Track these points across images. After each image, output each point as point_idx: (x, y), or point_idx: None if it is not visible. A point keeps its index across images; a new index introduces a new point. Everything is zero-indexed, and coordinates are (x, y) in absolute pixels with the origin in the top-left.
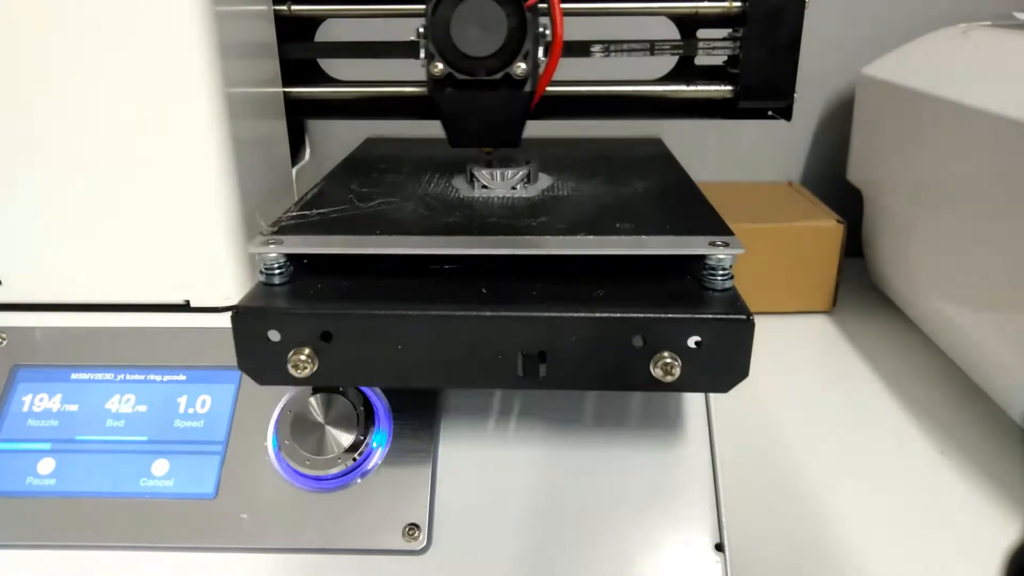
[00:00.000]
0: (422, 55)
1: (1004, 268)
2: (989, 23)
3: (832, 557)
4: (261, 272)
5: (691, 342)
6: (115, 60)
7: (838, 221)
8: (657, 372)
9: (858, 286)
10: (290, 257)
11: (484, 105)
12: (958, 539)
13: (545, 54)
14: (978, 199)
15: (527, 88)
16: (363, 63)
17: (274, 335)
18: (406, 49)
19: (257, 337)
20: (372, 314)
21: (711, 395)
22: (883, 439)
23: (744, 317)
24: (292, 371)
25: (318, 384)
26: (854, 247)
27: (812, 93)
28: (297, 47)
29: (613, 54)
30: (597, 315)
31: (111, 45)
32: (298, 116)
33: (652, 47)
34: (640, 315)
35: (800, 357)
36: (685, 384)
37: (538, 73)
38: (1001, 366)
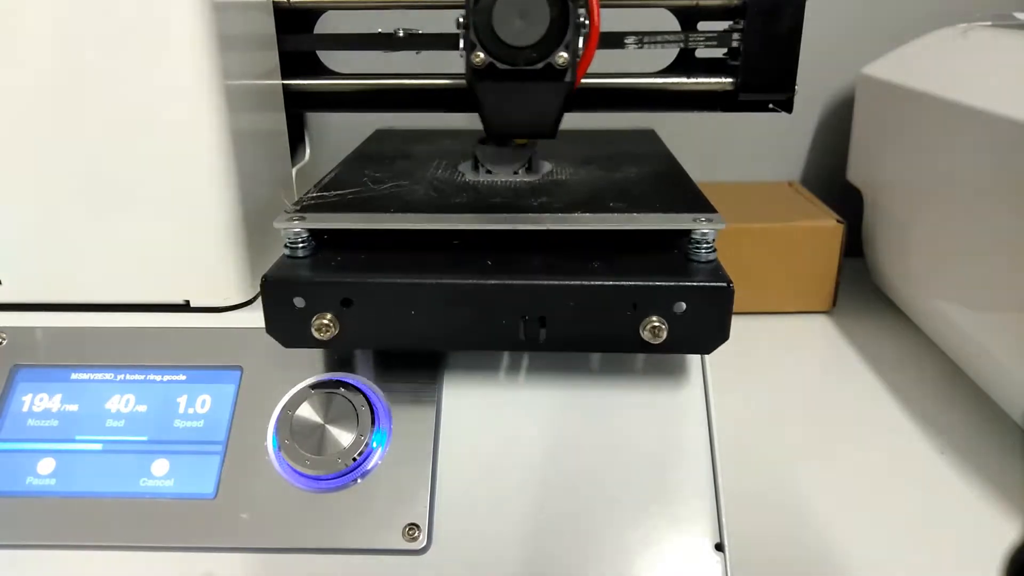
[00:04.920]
0: (461, 45)
1: (1004, 268)
2: (989, 23)
3: (832, 557)
4: (286, 246)
5: (677, 308)
6: (113, 55)
7: (838, 221)
8: (646, 335)
9: (858, 286)
10: (312, 232)
11: (524, 96)
12: (958, 539)
13: (583, 44)
14: (978, 199)
15: (567, 79)
16: (363, 56)
17: (299, 302)
18: (406, 42)
19: (284, 304)
20: (388, 282)
21: (711, 395)
22: (883, 439)
23: (725, 284)
24: (316, 334)
25: (339, 347)
26: (854, 247)
27: (812, 93)
28: (296, 39)
29: (647, 46)
30: (592, 283)
31: (108, 39)
32: (297, 109)
33: (687, 39)
34: (631, 283)
35: (800, 357)
36: (672, 346)
37: (576, 64)
38: (1001, 366)
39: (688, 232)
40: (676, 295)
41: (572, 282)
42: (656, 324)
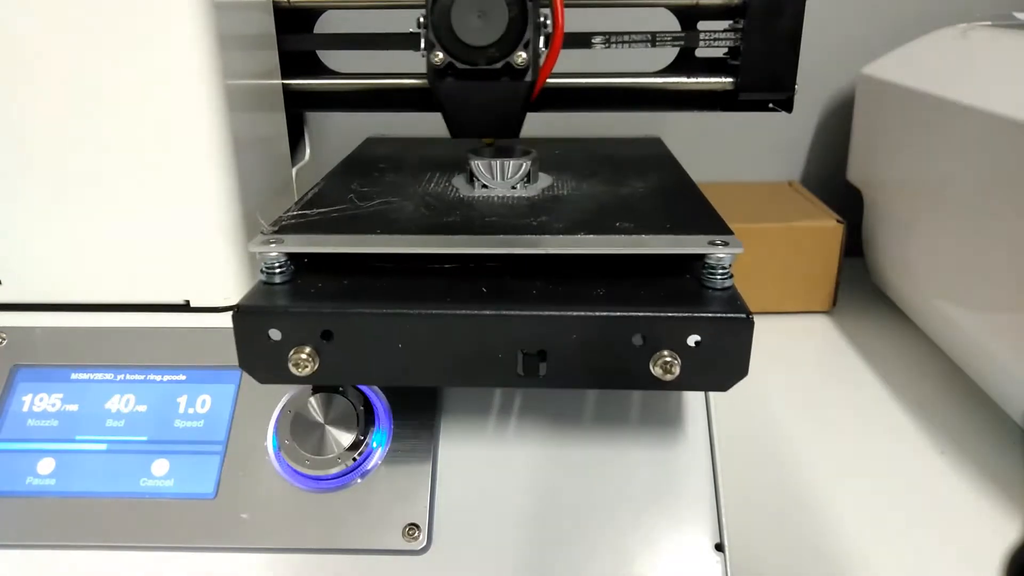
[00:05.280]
0: (422, 45)
1: (1004, 268)
2: (989, 23)
3: (832, 557)
4: (262, 271)
5: (691, 341)
6: (112, 54)
7: (838, 221)
8: (657, 371)
9: (858, 286)
10: (291, 256)
11: (484, 95)
12: (958, 539)
13: (546, 45)
14: (978, 199)
15: (527, 78)
16: (362, 55)
17: (275, 334)
18: (406, 41)
19: (258, 336)
20: (373, 313)
21: (711, 394)
22: (883, 439)
23: (743, 316)
24: (293, 370)
25: (319, 383)
26: (854, 247)
27: (812, 93)
28: (296, 39)
29: (614, 45)
30: (597, 313)
31: (107, 38)
32: (297, 108)
33: (653, 39)
34: (640, 313)
35: (800, 357)
36: (685, 383)
37: (539, 64)
38: (1001, 366)
39: (701, 256)
40: (690, 327)
41: (575, 312)
42: (668, 359)
